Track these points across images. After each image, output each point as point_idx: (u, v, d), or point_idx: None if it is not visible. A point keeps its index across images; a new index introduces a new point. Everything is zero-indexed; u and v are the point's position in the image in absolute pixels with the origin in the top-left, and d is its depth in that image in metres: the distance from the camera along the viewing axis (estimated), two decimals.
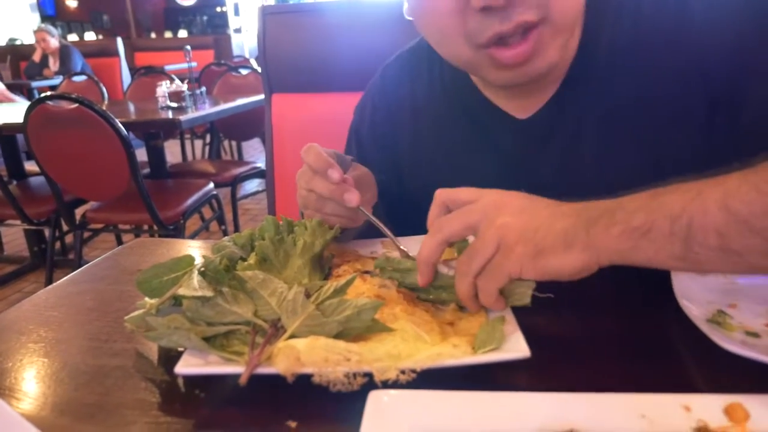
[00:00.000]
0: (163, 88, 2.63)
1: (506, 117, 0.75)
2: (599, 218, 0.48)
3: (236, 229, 3.03)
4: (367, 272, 0.62)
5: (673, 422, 0.41)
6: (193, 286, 0.52)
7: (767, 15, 0.62)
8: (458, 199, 0.56)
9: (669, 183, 0.50)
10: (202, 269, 0.56)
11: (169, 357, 0.55)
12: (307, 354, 0.46)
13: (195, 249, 0.86)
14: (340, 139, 1.00)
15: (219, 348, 0.50)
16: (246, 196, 3.89)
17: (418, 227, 0.81)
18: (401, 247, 0.67)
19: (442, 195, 0.58)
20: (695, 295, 0.59)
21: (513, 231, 0.50)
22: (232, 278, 0.56)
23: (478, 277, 0.52)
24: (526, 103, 0.74)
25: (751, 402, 0.42)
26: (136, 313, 0.56)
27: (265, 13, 1.34)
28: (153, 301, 0.55)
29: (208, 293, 0.52)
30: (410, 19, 0.71)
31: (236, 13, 8.82)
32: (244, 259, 0.62)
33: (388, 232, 0.67)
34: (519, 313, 0.54)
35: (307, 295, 0.53)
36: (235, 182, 2.90)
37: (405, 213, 0.86)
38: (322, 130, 1.32)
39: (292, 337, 0.49)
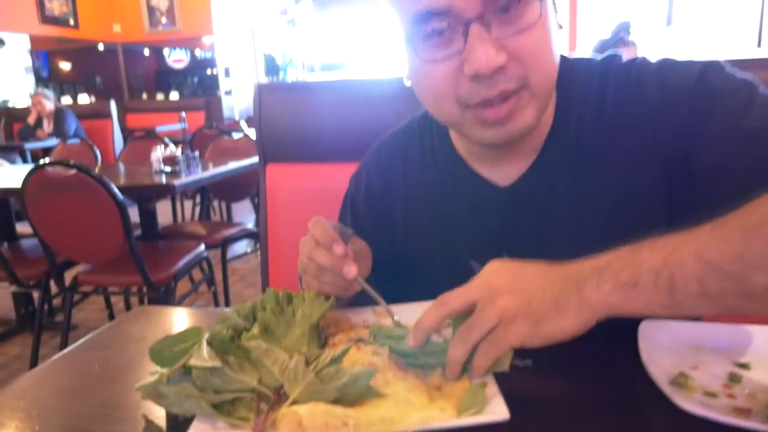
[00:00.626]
0: (158, 152, 2.71)
1: (489, 185, 0.82)
2: (589, 278, 0.55)
3: (225, 290, 3.06)
4: (360, 340, 0.68)
5: None
6: (203, 356, 0.57)
7: (714, 93, 0.70)
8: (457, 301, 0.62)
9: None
10: (210, 340, 0.61)
11: (177, 423, 0.59)
12: (309, 419, 0.51)
13: (196, 317, 0.91)
14: (331, 207, 1.07)
15: (226, 414, 0.55)
16: (235, 258, 3.93)
17: (410, 292, 0.86)
18: (394, 317, 0.72)
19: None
20: (660, 359, 0.65)
21: (510, 308, 0.57)
22: (237, 348, 0.61)
23: (480, 344, 0.58)
24: (508, 172, 0.81)
25: None
26: (147, 381, 0.60)
27: (262, 90, 1.43)
28: (164, 370, 0.59)
29: (216, 363, 0.57)
30: (409, 84, 0.79)
31: (227, 75, 9.08)
32: (247, 330, 0.67)
33: (382, 301, 0.73)
34: (500, 376, 0.60)
35: (307, 364, 0.58)
36: (225, 244, 2.95)
37: (398, 278, 0.93)
38: (314, 199, 1.39)
39: (294, 403, 0.54)
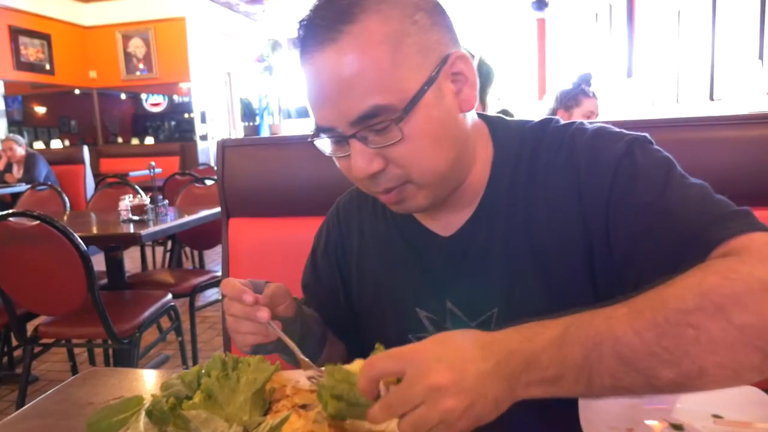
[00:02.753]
0: (126, 201, 2.70)
1: (433, 235, 0.87)
2: (519, 375, 0.56)
3: (193, 340, 3.00)
4: (303, 406, 0.68)
5: None
6: (139, 429, 0.57)
7: (636, 168, 0.74)
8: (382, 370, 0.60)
9: (564, 309, 0.61)
10: (149, 409, 0.61)
11: None
12: None
13: (147, 379, 0.90)
14: (293, 260, 1.08)
15: None
16: (206, 305, 3.88)
17: (367, 340, 0.88)
18: (302, 357, 0.75)
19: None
20: (598, 422, 0.67)
21: (442, 392, 0.54)
22: (176, 417, 0.61)
23: (401, 419, 0.57)
24: (449, 223, 0.86)
25: None
26: None
27: (224, 145, 1.46)
28: None
29: None
30: None
31: (203, 120, 9.14)
32: (189, 397, 0.67)
33: (295, 348, 0.76)
34: None
35: None
36: (194, 292, 2.91)
37: (354, 327, 0.98)
38: (276, 252, 1.40)
39: None
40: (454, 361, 0.56)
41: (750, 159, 1.16)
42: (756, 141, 1.18)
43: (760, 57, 2.22)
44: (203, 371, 0.71)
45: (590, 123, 0.85)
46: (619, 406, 0.71)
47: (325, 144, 0.77)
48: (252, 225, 1.46)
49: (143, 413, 0.59)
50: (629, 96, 4.28)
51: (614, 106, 4.54)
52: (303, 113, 10.86)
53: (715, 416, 0.68)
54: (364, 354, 0.97)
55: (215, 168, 1.78)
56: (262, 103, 10.47)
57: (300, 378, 0.80)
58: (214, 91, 9.45)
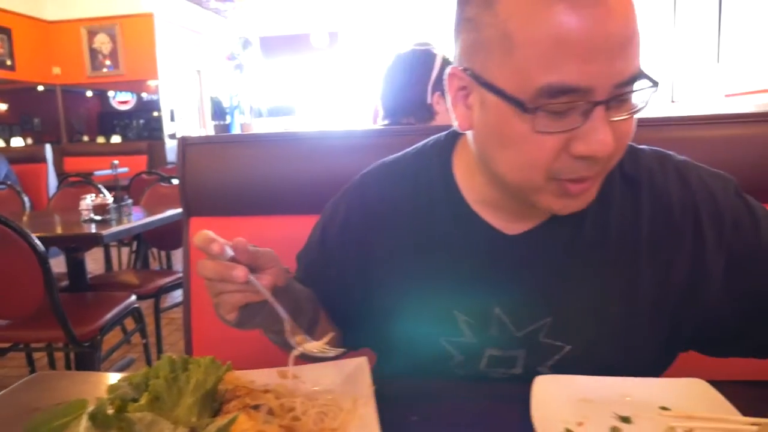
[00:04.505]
0: (87, 200, 2.63)
1: (497, 234, 0.81)
2: None
3: (158, 341, 2.95)
4: (255, 407, 0.67)
5: None
6: None
7: (750, 207, 0.77)
8: None
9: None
10: (92, 414, 0.59)
11: None
12: None
13: (98, 383, 0.87)
14: None
15: None
16: (172, 306, 3.81)
17: (380, 335, 0.85)
18: (297, 333, 0.70)
19: None
20: (550, 415, 0.67)
21: None
22: (121, 421, 0.59)
23: None
24: (519, 224, 0.80)
25: None
26: None
27: (186, 143, 1.43)
28: None
29: None
30: (465, 132, 0.77)
31: (172, 118, 8.98)
32: (136, 400, 0.65)
33: (281, 309, 0.70)
34: None
35: None
36: (159, 293, 2.86)
37: (362, 317, 0.89)
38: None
39: None
40: None
41: (731, 157, 1.20)
42: (735, 140, 1.22)
43: (718, 59, 2.28)
44: (152, 373, 0.69)
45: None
46: (569, 401, 0.71)
47: (538, 113, 0.64)
48: (214, 224, 1.43)
49: (85, 418, 0.58)
50: None
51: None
52: (275, 112, 10.78)
53: (663, 408, 0.69)
54: (370, 346, 0.93)
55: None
56: (233, 102, 10.34)
57: (255, 378, 0.79)
58: (184, 89, 9.30)
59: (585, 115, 0.64)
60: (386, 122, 1.74)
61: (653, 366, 0.83)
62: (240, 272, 0.66)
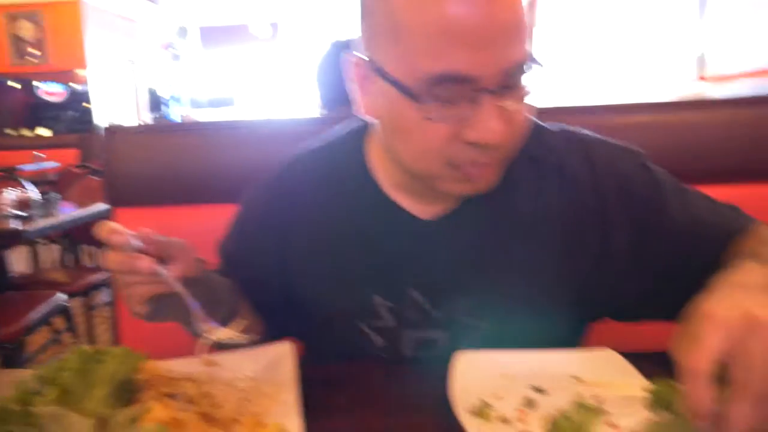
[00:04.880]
0: (8, 194, 2.49)
1: (411, 217, 0.82)
2: None
3: (91, 340, 2.83)
4: (172, 396, 0.66)
5: None
6: None
7: (658, 182, 0.81)
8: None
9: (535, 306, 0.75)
10: None
11: None
12: None
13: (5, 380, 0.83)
14: None
15: None
16: (105, 304, 3.67)
17: (303, 324, 0.84)
18: (205, 321, 0.69)
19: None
20: (468, 388, 0.69)
21: None
22: (24, 416, 0.56)
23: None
24: (434, 208, 0.81)
25: None
26: None
27: (111, 132, 1.38)
28: None
29: None
30: (372, 120, 0.77)
31: (105, 110, 8.61)
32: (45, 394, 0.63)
33: (189, 297, 0.68)
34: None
35: (102, 426, 0.56)
36: (90, 291, 2.75)
37: (284, 307, 0.89)
38: None
39: None
40: (760, 302, 0.50)
41: (681, 141, 1.26)
42: (704, 123, 1.28)
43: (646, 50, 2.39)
44: (63, 365, 0.66)
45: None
46: (488, 376, 0.73)
47: (426, 100, 0.64)
48: (142, 215, 1.38)
49: None
50: (541, 91, 4.47)
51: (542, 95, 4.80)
52: (215, 103, 10.51)
53: (575, 378, 0.72)
54: (294, 335, 0.91)
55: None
56: (171, 93, 10.01)
57: (176, 367, 0.77)
58: (117, 79, 8.92)
59: (474, 103, 0.64)
60: (324, 112, 1.72)
61: (569, 338, 0.86)
62: (145, 263, 0.65)
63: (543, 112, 0.90)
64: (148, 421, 0.58)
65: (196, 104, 10.52)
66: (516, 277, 0.81)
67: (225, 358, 0.78)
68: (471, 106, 0.65)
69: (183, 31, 9.92)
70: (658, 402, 0.51)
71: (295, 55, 10.13)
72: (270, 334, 0.91)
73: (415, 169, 0.74)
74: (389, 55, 0.68)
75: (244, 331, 0.73)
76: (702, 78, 1.85)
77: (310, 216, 0.87)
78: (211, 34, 10.48)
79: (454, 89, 0.64)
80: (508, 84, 0.65)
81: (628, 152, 0.84)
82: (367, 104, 0.76)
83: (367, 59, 0.72)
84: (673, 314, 0.79)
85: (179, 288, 0.68)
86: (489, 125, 0.64)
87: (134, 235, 0.66)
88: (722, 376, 0.47)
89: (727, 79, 1.70)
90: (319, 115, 1.71)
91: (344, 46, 1.68)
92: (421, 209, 0.82)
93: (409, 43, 0.64)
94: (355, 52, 0.74)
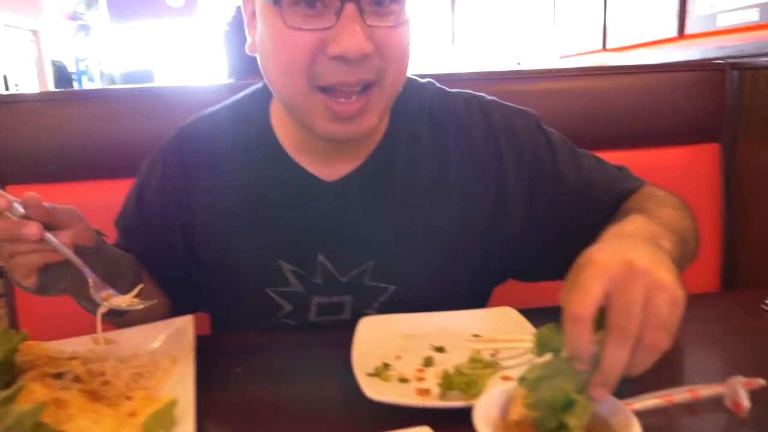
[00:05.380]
0: None
1: (314, 179, 0.80)
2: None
3: None
4: (58, 375, 0.62)
5: None
6: None
7: (552, 143, 0.84)
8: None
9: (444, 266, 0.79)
10: None
11: None
12: None
13: None
14: None
15: None
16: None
17: (209, 294, 0.82)
18: (93, 277, 0.65)
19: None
20: (369, 352, 0.69)
21: (655, 273, 0.49)
22: None
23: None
24: (336, 169, 0.80)
25: None
26: None
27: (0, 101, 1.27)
28: None
29: None
30: (253, 54, 0.75)
31: (6, 86, 7.98)
32: None
33: (81, 264, 0.65)
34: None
35: None
36: None
37: (188, 278, 0.87)
38: None
39: None
40: (641, 251, 0.53)
41: (585, 108, 1.31)
42: (591, 91, 1.34)
43: (554, 23, 2.46)
44: None
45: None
46: (391, 338, 0.74)
47: (290, 8, 0.65)
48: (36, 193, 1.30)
49: None
50: (453, 61, 4.52)
51: (440, 70, 4.82)
52: (128, 77, 9.94)
53: (475, 336, 0.74)
54: (201, 309, 0.90)
55: None
56: (80, 67, 9.39)
57: (65, 347, 0.73)
58: (17, 52, 8.26)
59: (337, 15, 0.64)
60: (231, 81, 1.66)
61: (473, 299, 0.89)
62: (32, 229, 0.60)
63: (449, 79, 0.92)
64: (26, 402, 0.55)
65: (110, 80, 9.92)
66: (420, 239, 0.82)
67: (121, 335, 0.75)
68: (335, 17, 0.64)
69: (91, 1, 9.28)
70: (542, 345, 0.53)
71: (213, 24, 9.74)
72: (176, 308, 0.88)
73: (285, 93, 0.73)
74: None
75: (143, 296, 0.70)
76: (605, 49, 1.94)
77: (212, 179, 0.83)
78: (121, 4, 9.87)
79: None
80: (378, 3, 0.66)
81: (524, 115, 0.87)
82: (252, 38, 0.75)
83: None
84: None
85: (72, 256, 0.64)
86: (348, 36, 0.64)
87: (19, 201, 0.61)
88: (603, 321, 0.50)
89: (628, 50, 1.80)
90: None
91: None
92: (324, 171, 0.81)
93: None
94: None
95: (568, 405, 0.48)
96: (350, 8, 0.64)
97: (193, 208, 0.84)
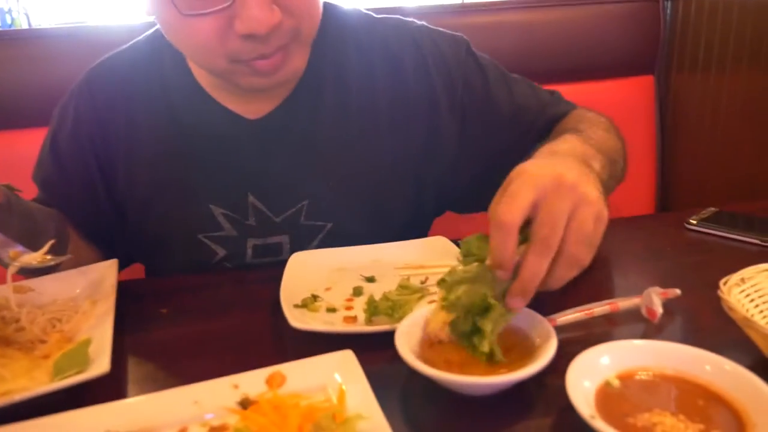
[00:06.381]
0: None
1: (238, 117, 0.77)
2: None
3: None
4: None
5: (221, 401, 0.47)
6: None
7: (482, 68, 0.83)
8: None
9: (380, 201, 0.80)
10: None
11: None
12: None
13: None
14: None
15: None
16: None
17: (137, 242, 0.81)
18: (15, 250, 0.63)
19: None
20: (298, 285, 0.68)
21: (580, 188, 0.50)
22: None
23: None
24: (258, 106, 0.77)
25: (288, 368, 0.50)
26: None
27: None
28: None
29: None
30: (151, 17, 0.70)
31: None
32: None
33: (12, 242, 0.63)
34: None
35: None
36: None
37: (114, 225, 0.84)
38: None
39: None
40: (571, 167, 0.53)
41: (523, 41, 1.31)
42: (528, 24, 1.32)
43: None
44: None
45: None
46: (323, 272, 0.73)
47: None
48: None
49: None
50: None
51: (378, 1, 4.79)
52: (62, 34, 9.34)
53: (406, 265, 0.74)
54: (128, 259, 0.88)
55: None
56: (6, 20, 8.75)
57: None
58: None
59: None
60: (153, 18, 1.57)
61: (411, 232, 0.88)
62: None
63: (390, 13, 0.89)
64: None
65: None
66: (352, 173, 0.80)
67: (41, 283, 0.72)
68: None
69: None
70: (467, 254, 0.53)
71: None
72: (107, 260, 0.85)
73: (205, 67, 0.71)
74: None
75: (53, 252, 0.67)
76: None
77: (128, 121, 0.79)
78: None
79: None
80: None
81: (455, 40, 0.84)
82: (149, 8, 0.69)
83: None
84: None
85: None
86: (253, 13, 0.60)
87: None
88: (528, 232, 0.50)
89: None
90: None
91: None
92: (247, 109, 0.78)
93: None
94: None
95: (485, 310, 0.49)
96: None
97: (111, 155, 0.80)
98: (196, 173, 0.79)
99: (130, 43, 0.84)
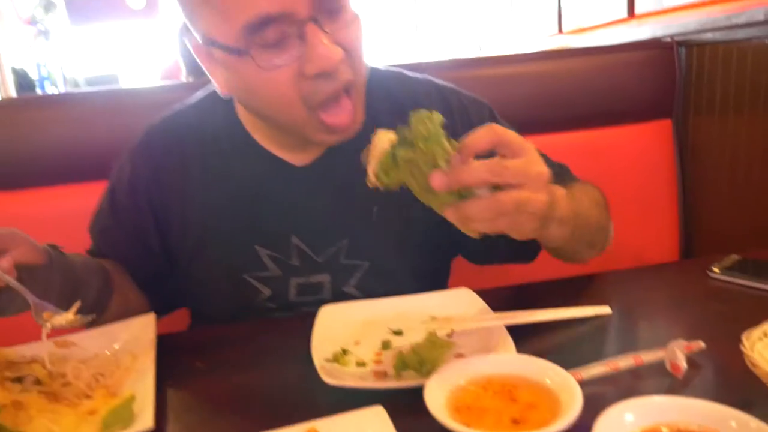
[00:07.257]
0: None
1: (286, 165, 0.83)
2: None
3: None
4: (18, 379, 0.63)
5: None
6: None
7: None
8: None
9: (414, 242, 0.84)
10: None
11: None
12: None
13: None
14: (55, 235, 0.96)
15: None
16: None
17: (187, 287, 0.85)
18: (33, 299, 0.65)
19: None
20: (328, 338, 0.71)
21: (544, 184, 0.61)
22: None
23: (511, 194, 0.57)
24: (305, 155, 0.84)
25: (323, 424, 0.52)
26: None
27: None
28: None
29: None
30: (228, 96, 0.77)
31: None
32: None
33: (20, 287, 0.65)
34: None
35: None
36: None
37: (167, 272, 0.89)
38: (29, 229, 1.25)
39: None
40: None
41: (541, 91, 1.35)
42: (546, 74, 1.37)
43: (512, 10, 2.49)
44: None
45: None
46: (351, 324, 0.76)
47: (258, 53, 0.66)
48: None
49: None
50: (417, 48, 4.54)
51: (404, 56, 4.87)
52: (93, 82, 9.74)
53: (432, 317, 0.76)
54: (180, 303, 0.95)
55: None
56: (42, 73, 9.16)
57: (26, 351, 0.73)
58: None
59: (300, 38, 0.66)
60: (190, 80, 1.66)
61: (436, 271, 0.93)
62: None
63: (412, 68, 0.94)
64: None
65: (73, 85, 9.71)
66: (387, 214, 0.85)
67: (82, 338, 0.76)
68: (299, 42, 0.66)
69: (49, 5, 9.06)
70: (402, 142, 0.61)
71: (175, 26, 9.57)
72: (156, 307, 0.89)
73: (283, 122, 0.75)
74: (210, 22, 0.68)
75: (82, 311, 0.70)
76: (561, 32, 1.97)
77: (183, 175, 0.85)
78: (80, 7, 9.65)
79: (275, 31, 0.65)
80: (327, 9, 0.67)
81: (479, 104, 0.90)
82: (219, 81, 0.76)
83: (199, 37, 0.72)
84: (515, 258, 0.88)
85: (10, 281, 0.65)
86: (320, 52, 0.66)
87: None
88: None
89: (582, 32, 1.83)
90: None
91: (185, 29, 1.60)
92: (294, 157, 0.84)
93: (218, 2, 0.65)
94: (194, 34, 0.73)
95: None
96: (311, 27, 0.65)
97: (166, 205, 0.86)
98: (244, 217, 0.85)
99: (182, 104, 0.91)
